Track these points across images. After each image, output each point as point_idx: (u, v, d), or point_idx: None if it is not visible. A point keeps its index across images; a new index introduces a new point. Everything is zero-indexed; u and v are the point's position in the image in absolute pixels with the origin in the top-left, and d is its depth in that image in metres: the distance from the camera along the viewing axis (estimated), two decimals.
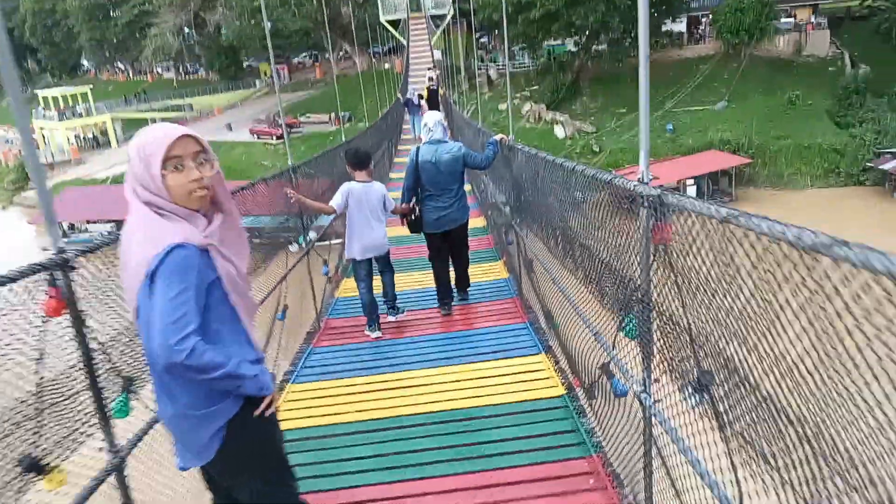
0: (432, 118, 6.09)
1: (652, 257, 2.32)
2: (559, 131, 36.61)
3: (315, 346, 5.76)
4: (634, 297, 2.52)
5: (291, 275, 5.79)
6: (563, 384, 4.46)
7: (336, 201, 5.52)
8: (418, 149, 5.96)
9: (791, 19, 39.83)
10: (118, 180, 40.15)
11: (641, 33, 2.46)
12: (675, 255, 2.11)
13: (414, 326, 5.99)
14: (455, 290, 6.38)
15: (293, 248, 6.15)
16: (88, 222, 33.26)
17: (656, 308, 2.36)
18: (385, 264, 5.90)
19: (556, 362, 4.80)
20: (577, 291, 3.65)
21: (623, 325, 2.67)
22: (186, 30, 48.21)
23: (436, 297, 6.28)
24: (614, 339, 2.87)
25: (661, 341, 2.38)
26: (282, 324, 5.33)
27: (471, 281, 6.56)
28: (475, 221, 8.76)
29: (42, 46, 65.12)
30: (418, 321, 6.10)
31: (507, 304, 6.36)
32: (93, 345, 2.31)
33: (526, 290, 6.11)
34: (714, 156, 28.90)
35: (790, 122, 32.02)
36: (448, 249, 6.17)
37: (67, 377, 2.26)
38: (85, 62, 70.71)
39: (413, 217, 5.96)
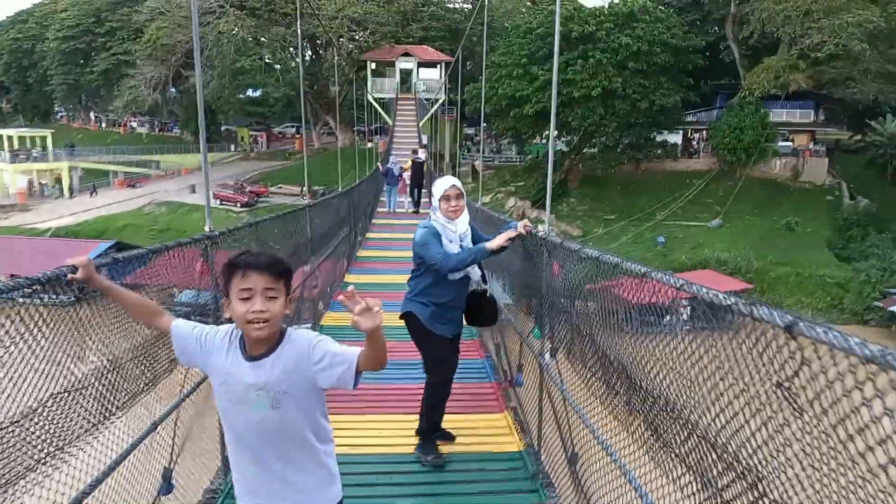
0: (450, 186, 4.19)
1: None
2: (543, 230, 34.32)
3: None
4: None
5: None
6: None
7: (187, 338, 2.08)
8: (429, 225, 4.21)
9: (789, 143, 38.94)
10: (58, 233, 36.59)
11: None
12: None
13: None
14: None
15: None
16: (12, 276, 29.47)
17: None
18: None
19: None
20: None
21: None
22: (165, 86, 45.90)
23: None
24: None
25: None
26: None
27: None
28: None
29: (14, 87, 62.42)
30: None
31: None
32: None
33: None
34: (711, 276, 26.47)
35: (789, 249, 30.15)
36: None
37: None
38: (59, 109, 67.98)
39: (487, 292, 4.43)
